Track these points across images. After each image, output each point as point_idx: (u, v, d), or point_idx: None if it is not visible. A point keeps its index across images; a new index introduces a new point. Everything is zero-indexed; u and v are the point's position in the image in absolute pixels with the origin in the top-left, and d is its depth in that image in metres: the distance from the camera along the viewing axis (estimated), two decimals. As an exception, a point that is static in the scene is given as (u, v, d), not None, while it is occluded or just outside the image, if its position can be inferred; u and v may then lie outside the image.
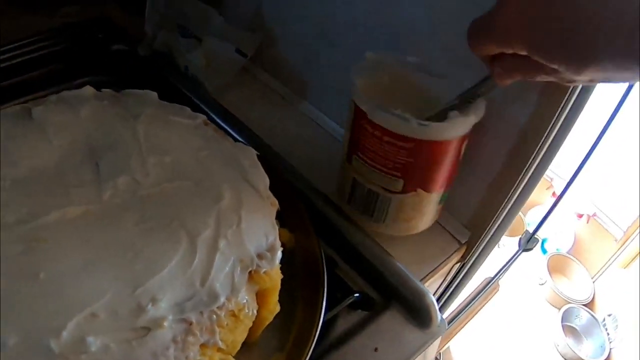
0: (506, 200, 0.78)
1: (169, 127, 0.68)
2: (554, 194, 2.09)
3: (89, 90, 0.72)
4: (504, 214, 0.80)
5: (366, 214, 0.76)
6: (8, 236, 0.54)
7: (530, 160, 0.72)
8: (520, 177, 0.75)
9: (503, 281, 1.90)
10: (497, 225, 0.82)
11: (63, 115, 0.67)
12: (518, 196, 0.78)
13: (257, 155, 0.70)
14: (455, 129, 0.65)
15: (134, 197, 0.60)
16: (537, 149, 0.71)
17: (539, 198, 2.20)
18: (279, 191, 0.69)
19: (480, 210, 0.82)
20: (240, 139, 0.84)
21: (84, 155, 0.63)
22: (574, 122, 0.68)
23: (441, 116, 0.65)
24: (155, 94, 0.74)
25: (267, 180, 0.67)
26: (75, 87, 0.75)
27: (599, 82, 0.48)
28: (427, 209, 0.76)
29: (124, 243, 0.55)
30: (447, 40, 0.73)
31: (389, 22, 0.79)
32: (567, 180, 1.00)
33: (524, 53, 0.48)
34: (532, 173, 0.75)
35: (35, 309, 0.49)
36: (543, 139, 0.70)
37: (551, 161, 0.73)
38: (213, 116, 0.88)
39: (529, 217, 2.24)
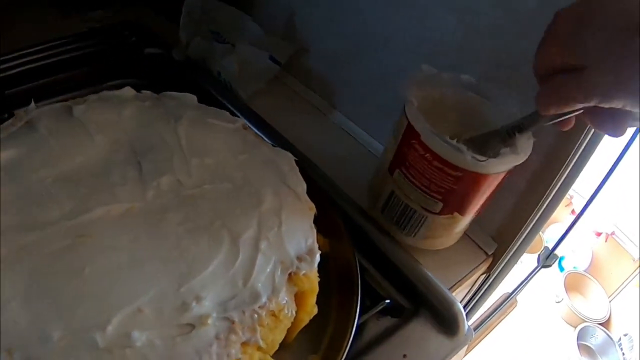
0: (533, 213, 0.78)
1: (209, 130, 0.69)
2: (573, 211, 2.08)
3: (129, 91, 0.73)
4: (530, 227, 0.81)
5: (398, 226, 0.77)
6: (53, 232, 0.55)
7: (557, 177, 0.73)
8: (547, 192, 0.75)
9: (521, 297, 1.90)
10: (522, 238, 0.83)
11: (105, 114, 0.68)
12: (544, 211, 0.78)
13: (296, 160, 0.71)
14: (505, 165, 0.66)
15: (177, 197, 0.61)
16: (563, 167, 0.72)
17: (558, 215, 2.19)
18: (313, 198, 0.69)
19: (508, 222, 0.82)
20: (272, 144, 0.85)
21: (127, 155, 0.65)
22: (599, 142, 0.69)
23: (481, 140, 0.66)
24: (194, 97, 0.75)
25: (304, 185, 0.68)
26: (108, 89, 0.77)
27: (609, 95, 0.48)
28: (457, 230, 0.77)
29: (168, 241, 0.56)
30: (483, 58, 0.74)
31: (422, 36, 0.80)
32: (587, 198, 1.00)
33: (563, 56, 0.49)
34: (558, 189, 0.75)
35: (80, 304, 0.50)
36: (569, 157, 0.71)
37: (576, 179, 0.74)
38: (245, 122, 0.89)
39: (547, 234, 2.23)
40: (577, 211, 1.03)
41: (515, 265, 0.91)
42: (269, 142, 0.83)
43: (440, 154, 0.65)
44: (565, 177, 0.74)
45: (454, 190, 0.68)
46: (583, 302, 2.30)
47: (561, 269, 2.33)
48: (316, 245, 0.62)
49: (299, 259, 0.59)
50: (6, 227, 0.54)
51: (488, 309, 1.41)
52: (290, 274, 0.58)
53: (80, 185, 0.60)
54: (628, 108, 0.48)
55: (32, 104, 0.68)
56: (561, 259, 2.32)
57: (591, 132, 0.67)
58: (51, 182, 0.60)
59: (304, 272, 0.58)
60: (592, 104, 0.49)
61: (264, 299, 0.54)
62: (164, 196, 0.60)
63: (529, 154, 0.66)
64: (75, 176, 0.61)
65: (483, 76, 0.73)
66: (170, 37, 1.06)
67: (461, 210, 0.72)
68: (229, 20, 1.02)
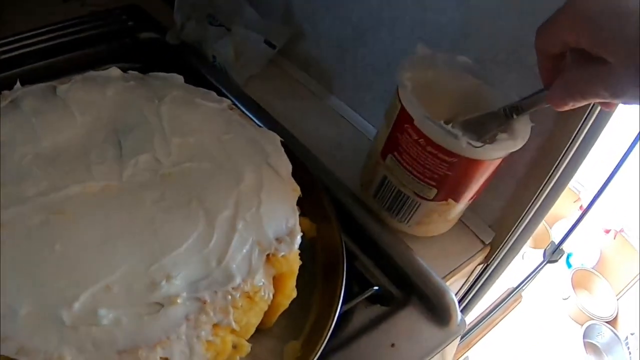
0: (531, 202, 0.77)
1: (193, 109, 0.68)
2: (581, 207, 2.06)
3: (115, 71, 0.72)
4: (530, 217, 0.79)
5: (390, 211, 0.76)
6: (28, 208, 0.54)
7: (556, 164, 0.71)
8: (546, 180, 0.74)
9: (526, 293, 1.88)
10: (522, 227, 0.80)
11: (88, 93, 0.67)
12: (543, 200, 0.77)
13: (281, 142, 0.70)
14: (502, 151, 0.65)
15: (154, 176, 0.59)
16: (562, 154, 0.70)
17: (566, 211, 2.16)
18: (302, 181, 0.68)
19: (506, 211, 0.80)
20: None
21: (107, 134, 0.63)
22: (601, 129, 0.67)
23: (478, 122, 0.65)
24: (181, 77, 0.74)
25: (289, 166, 0.66)
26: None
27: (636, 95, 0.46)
28: (452, 216, 0.76)
29: (142, 220, 0.55)
30: (482, 41, 0.72)
31: (422, 19, 0.78)
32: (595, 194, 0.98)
33: (583, 45, 0.47)
34: (558, 178, 0.73)
35: (49, 280, 0.49)
36: (569, 143, 0.69)
37: (577, 168, 0.72)
38: (239, 106, 0.88)
39: (555, 229, 2.20)
40: (586, 207, 1.02)
41: (521, 261, 0.89)
42: (259, 123, 0.82)
43: (434, 139, 0.64)
44: (567, 165, 0.72)
45: (449, 177, 0.67)
46: (590, 299, 2.27)
47: (569, 265, 2.30)
48: (298, 227, 0.60)
49: (278, 240, 0.57)
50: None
51: (492, 303, 1.40)
52: (268, 256, 0.56)
53: (58, 163, 0.59)
54: None
55: (18, 83, 0.67)
56: (569, 255, 2.29)
57: (592, 119, 0.65)
58: (30, 159, 0.59)
59: (282, 253, 0.56)
60: (617, 102, 0.47)
61: (238, 280, 0.52)
62: (142, 175, 0.59)
63: (526, 139, 0.64)
64: (54, 154, 0.60)
65: (482, 59, 0.71)
66: (169, 22, 1.04)
67: (456, 196, 0.71)
68: (224, 3, 1.00)
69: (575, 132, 0.67)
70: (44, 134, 0.61)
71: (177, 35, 0.99)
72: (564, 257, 1.94)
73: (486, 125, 0.64)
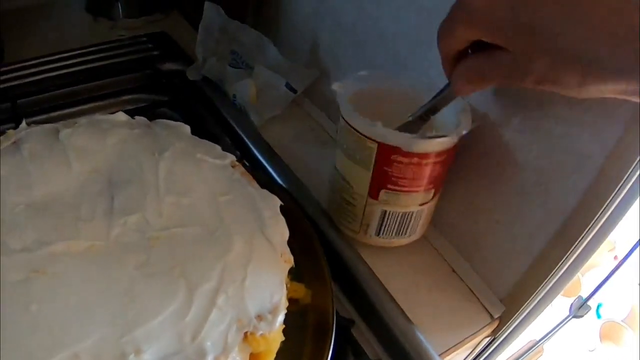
0: (547, 278, 0.72)
1: (194, 165, 0.66)
2: (615, 257, 2.00)
3: (121, 116, 0.70)
4: (547, 289, 0.74)
5: (398, 235, 0.76)
6: (11, 263, 0.53)
7: (585, 232, 0.66)
8: (564, 258, 0.69)
9: (548, 344, 1.82)
10: (535, 302, 0.76)
11: (89, 141, 0.65)
12: (560, 277, 0.72)
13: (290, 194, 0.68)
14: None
15: (142, 238, 0.58)
16: (595, 219, 0.64)
17: (599, 260, 2.10)
18: (303, 240, 0.66)
19: (519, 284, 0.76)
20: (276, 177, 0.82)
21: (102, 187, 0.62)
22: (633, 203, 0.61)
23: (408, 128, 0.65)
24: (188, 128, 0.72)
25: (286, 234, 0.64)
26: (123, 104, 0.74)
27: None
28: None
29: (121, 286, 0.53)
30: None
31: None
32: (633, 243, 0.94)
33: (500, 42, 0.46)
34: (579, 254, 0.69)
35: (20, 342, 0.48)
36: (603, 209, 0.63)
37: (599, 245, 0.67)
38: (254, 150, 0.87)
39: (587, 277, 2.13)
40: (620, 257, 0.98)
41: (546, 309, 0.84)
42: (272, 173, 0.81)
43: (429, 151, 0.64)
44: (590, 240, 0.67)
45: (441, 172, 0.69)
46: (617, 353, 2.20)
47: (598, 316, 2.23)
48: (283, 304, 0.57)
49: (259, 317, 0.54)
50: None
51: (511, 356, 1.35)
52: (246, 333, 0.53)
53: (48, 215, 0.58)
54: None
55: (23, 122, 0.67)
56: (599, 305, 2.22)
57: (623, 192, 0.60)
58: (23, 209, 0.58)
59: (261, 332, 0.54)
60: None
61: (210, 358, 0.50)
62: (129, 236, 0.57)
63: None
64: (46, 204, 0.59)
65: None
66: (194, 53, 1.03)
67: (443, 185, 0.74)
68: (248, 41, 0.99)
69: (610, 198, 0.62)
70: (39, 182, 0.61)
71: (198, 71, 0.98)
72: (593, 310, 1.88)
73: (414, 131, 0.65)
